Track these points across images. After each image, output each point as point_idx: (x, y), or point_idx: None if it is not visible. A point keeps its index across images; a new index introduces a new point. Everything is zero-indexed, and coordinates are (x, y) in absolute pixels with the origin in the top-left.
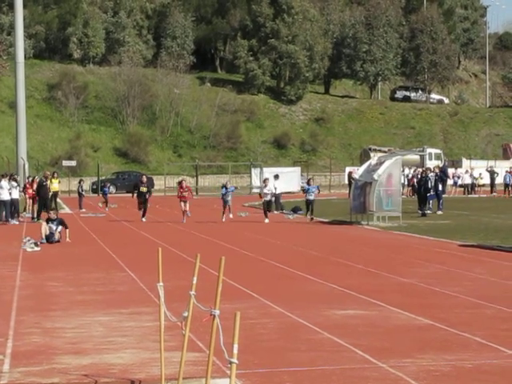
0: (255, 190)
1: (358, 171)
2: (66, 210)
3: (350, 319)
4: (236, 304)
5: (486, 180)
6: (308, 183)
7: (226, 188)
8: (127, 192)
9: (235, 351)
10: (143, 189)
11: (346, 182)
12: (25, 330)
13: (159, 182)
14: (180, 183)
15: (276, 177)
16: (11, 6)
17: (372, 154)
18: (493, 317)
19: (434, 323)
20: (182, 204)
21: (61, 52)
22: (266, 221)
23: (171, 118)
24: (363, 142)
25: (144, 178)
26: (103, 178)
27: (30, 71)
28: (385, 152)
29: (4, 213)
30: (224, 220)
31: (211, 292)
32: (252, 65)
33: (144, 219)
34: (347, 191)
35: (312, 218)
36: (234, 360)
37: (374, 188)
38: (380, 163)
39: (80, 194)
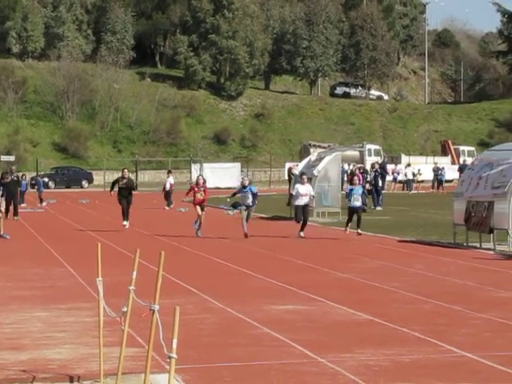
0: None
1: (298, 167)
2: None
3: (290, 314)
4: (176, 299)
5: (426, 176)
6: (351, 182)
7: (245, 187)
8: (67, 187)
9: (174, 346)
10: (123, 184)
11: (286, 177)
12: None
13: (98, 178)
14: (197, 179)
15: (169, 172)
16: None
17: (312, 150)
18: (431, 312)
19: (373, 318)
20: (199, 209)
21: None
22: (301, 234)
23: (111, 113)
24: (303, 138)
25: (126, 173)
26: (42, 173)
27: None
28: (324, 148)
29: None
30: (246, 230)
31: (151, 287)
32: (192, 60)
33: (126, 223)
34: (287, 187)
35: (359, 233)
36: (173, 355)
37: (314, 184)
38: (320, 159)
39: (20, 190)
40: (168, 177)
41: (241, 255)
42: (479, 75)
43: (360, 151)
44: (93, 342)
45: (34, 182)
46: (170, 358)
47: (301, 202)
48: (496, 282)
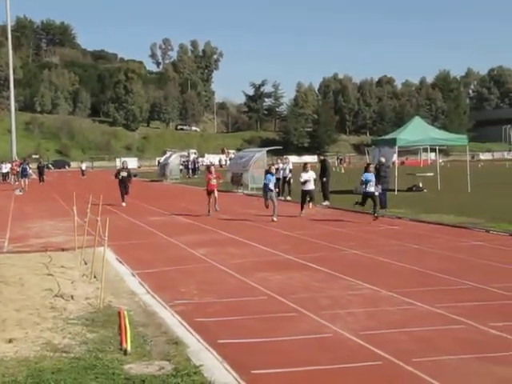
0: None
1: (162, 159)
2: None
3: (157, 221)
4: (108, 215)
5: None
6: (367, 170)
7: (271, 173)
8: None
9: (107, 234)
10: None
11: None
12: (14, 228)
13: None
14: (209, 168)
15: None
16: None
17: (168, 152)
18: (223, 221)
19: (193, 222)
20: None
21: None
22: (302, 214)
23: None
24: (166, 147)
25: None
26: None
27: None
28: (173, 151)
29: None
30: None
31: (100, 211)
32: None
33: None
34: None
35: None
36: (106, 238)
37: (169, 165)
38: (171, 155)
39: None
40: None
41: (138, 195)
42: (237, 120)
43: (188, 152)
44: (72, 234)
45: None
46: (104, 239)
47: (308, 187)
48: (245, 205)
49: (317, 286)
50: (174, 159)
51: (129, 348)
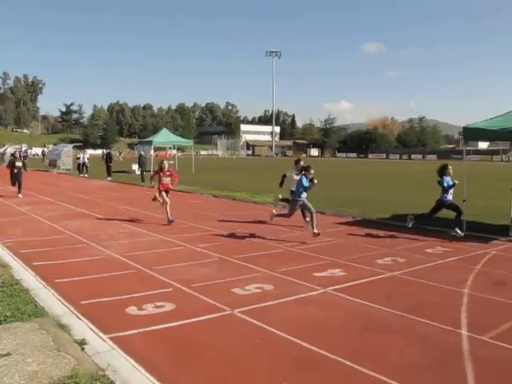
0: None
1: (12, 149)
2: None
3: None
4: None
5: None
6: (443, 172)
7: (306, 177)
8: None
9: None
10: (19, 163)
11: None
12: None
13: None
14: (161, 164)
15: None
16: None
17: (5, 145)
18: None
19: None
20: (164, 194)
21: None
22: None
23: None
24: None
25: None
26: None
27: None
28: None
29: None
30: (313, 231)
31: None
32: None
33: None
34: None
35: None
36: None
37: (6, 154)
38: (8, 147)
39: None
40: None
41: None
42: (55, 126)
43: (21, 146)
44: None
45: None
46: None
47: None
48: (59, 179)
49: (99, 227)
50: (10, 150)
51: None
